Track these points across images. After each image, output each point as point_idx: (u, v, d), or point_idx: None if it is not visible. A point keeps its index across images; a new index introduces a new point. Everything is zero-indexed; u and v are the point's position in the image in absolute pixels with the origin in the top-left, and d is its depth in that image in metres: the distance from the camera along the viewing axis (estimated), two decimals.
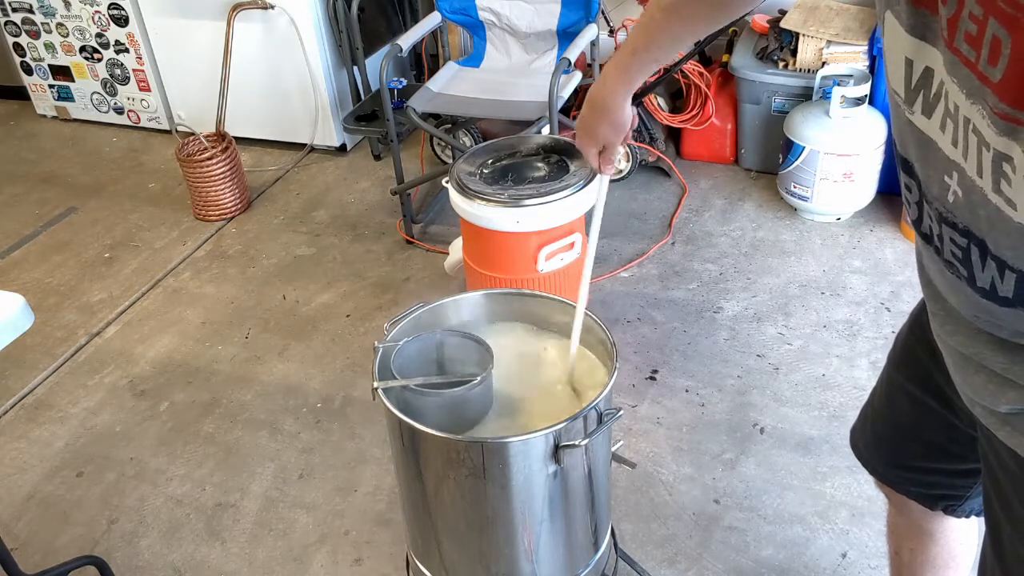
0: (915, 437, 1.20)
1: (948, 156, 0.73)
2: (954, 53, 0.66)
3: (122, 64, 3.80)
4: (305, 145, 3.65)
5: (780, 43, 2.96)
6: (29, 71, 4.02)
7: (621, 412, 1.22)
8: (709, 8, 1.17)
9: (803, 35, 2.88)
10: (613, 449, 1.37)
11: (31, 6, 3.77)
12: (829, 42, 2.85)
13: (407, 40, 2.81)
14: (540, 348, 1.44)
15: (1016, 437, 0.85)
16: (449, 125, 3.19)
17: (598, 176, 1.35)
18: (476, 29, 3.03)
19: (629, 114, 1.26)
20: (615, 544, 1.61)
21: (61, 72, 3.95)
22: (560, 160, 2.21)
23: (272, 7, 3.29)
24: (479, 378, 1.25)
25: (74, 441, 2.30)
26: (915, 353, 1.14)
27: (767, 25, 3.05)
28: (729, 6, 1.18)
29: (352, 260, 2.96)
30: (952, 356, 0.93)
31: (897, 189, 1.24)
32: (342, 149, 3.64)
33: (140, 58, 3.74)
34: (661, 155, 3.16)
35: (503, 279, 2.22)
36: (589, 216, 1.43)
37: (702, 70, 3.08)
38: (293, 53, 3.39)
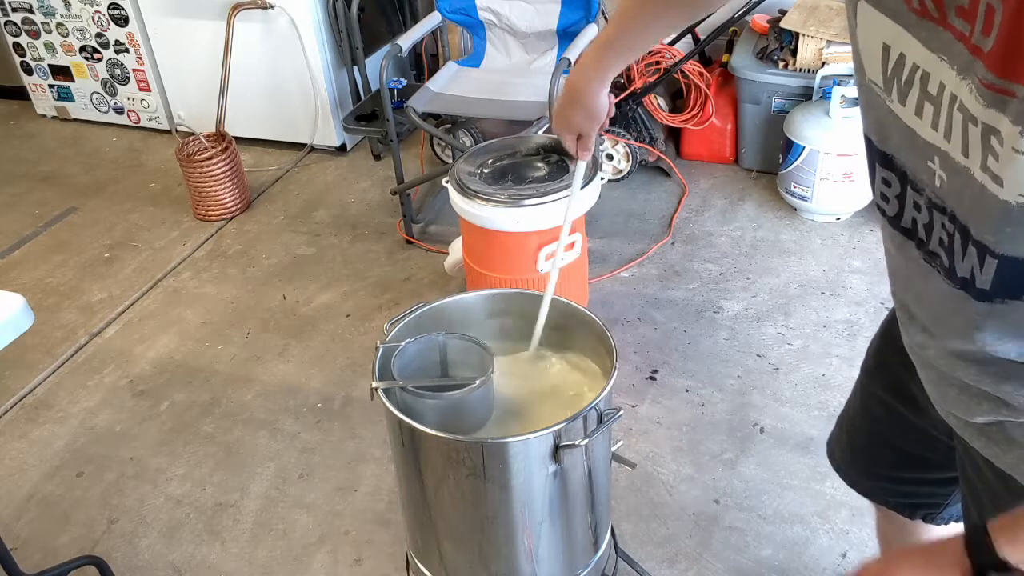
0: (891, 447, 1.18)
1: (928, 141, 0.73)
2: (947, 30, 0.66)
3: (122, 64, 3.80)
4: (305, 145, 3.65)
5: (780, 43, 2.96)
6: (29, 71, 4.02)
7: (621, 412, 1.22)
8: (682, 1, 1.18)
9: (803, 35, 2.88)
10: (613, 449, 1.36)
11: (31, 6, 3.77)
12: (829, 42, 2.85)
13: (407, 40, 2.81)
14: (539, 350, 1.44)
15: (991, 447, 0.84)
16: (449, 125, 3.19)
17: (578, 162, 1.38)
18: (476, 29, 3.03)
19: (605, 103, 1.28)
20: (615, 544, 1.61)
21: (61, 72, 3.95)
22: (560, 160, 2.21)
23: (272, 7, 3.29)
24: (478, 381, 1.24)
25: (74, 441, 2.30)
26: (888, 362, 1.12)
27: (767, 25, 3.05)
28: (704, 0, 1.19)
29: (352, 260, 2.96)
30: (924, 368, 0.92)
31: None
32: (342, 149, 3.64)
33: (140, 58, 3.74)
34: (661, 155, 3.16)
35: (503, 279, 2.22)
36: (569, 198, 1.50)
37: (702, 70, 3.08)
38: (293, 53, 3.39)
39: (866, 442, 1.24)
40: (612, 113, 1.32)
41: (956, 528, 1.25)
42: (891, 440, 1.18)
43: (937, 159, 0.72)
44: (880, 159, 0.83)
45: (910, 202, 0.80)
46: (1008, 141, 0.62)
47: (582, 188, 2.08)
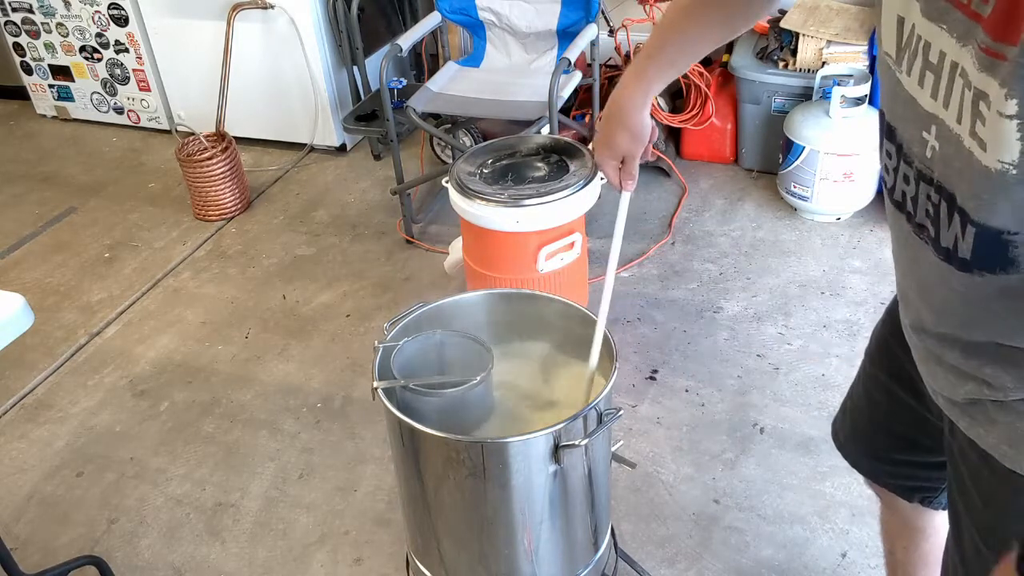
0: (889, 430, 1.22)
1: (927, 110, 0.74)
2: (945, 1, 0.68)
3: (122, 64, 3.80)
4: (305, 145, 3.65)
5: (780, 43, 2.96)
6: (29, 71, 4.02)
7: (621, 412, 1.22)
8: (723, 12, 1.15)
9: (803, 35, 2.88)
10: (613, 449, 1.37)
11: (31, 6, 3.77)
12: (829, 42, 2.85)
13: (407, 40, 2.81)
14: (539, 351, 1.44)
15: (975, 427, 0.87)
16: (449, 125, 3.19)
17: (622, 194, 1.32)
18: (476, 29, 3.03)
19: (648, 122, 1.22)
20: (615, 544, 1.61)
21: (61, 72, 3.95)
22: (560, 160, 2.21)
23: (272, 7, 3.29)
24: (478, 378, 1.24)
25: (74, 441, 2.30)
26: (889, 346, 1.15)
27: (767, 25, 3.05)
28: (745, 10, 1.16)
29: (352, 260, 2.96)
30: (917, 349, 0.95)
31: None
32: (342, 149, 3.64)
33: (140, 58, 3.74)
34: (661, 155, 3.16)
35: (503, 279, 2.22)
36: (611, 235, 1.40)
37: (702, 70, 3.08)
38: (293, 53, 3.39)
39: (867, 424, 1.27)
40: (655, 136, 1.25)
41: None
42: (889, 423, 1.21)
43: (934, 128, 0.74)
44: (886, 131, 0.85)
45: (901, 175, 0.83)
46: (995, 105, 0.64)
47: (581, 188, 2.10)
